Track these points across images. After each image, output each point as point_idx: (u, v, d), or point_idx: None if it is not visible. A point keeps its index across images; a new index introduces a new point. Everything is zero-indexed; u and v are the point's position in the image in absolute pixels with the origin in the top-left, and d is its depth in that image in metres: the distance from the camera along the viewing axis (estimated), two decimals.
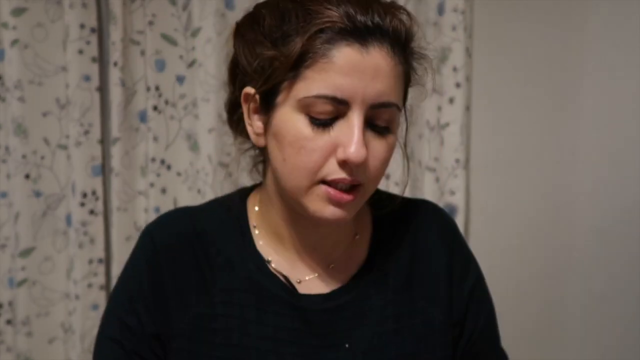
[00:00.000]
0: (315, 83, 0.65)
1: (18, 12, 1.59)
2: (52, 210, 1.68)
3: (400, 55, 0.68)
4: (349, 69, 0.64)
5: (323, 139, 0.66)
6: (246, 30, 0.71)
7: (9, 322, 1.68)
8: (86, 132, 1.64)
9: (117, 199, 1.68)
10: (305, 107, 0.66)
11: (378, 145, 0.68)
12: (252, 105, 0.72)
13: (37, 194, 1.66)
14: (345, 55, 0.64)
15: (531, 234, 1.77)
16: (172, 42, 1.67)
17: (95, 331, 1.77)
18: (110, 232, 1.71)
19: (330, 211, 0.68)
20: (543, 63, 1.71)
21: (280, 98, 0.68)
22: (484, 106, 1.73)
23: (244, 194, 0.83)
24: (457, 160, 1.70)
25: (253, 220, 0.80)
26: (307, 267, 0.78)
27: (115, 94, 1.64)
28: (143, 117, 1.69)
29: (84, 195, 1.66)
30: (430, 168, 1.73)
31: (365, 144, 0.66)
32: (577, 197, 1.74)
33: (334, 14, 0.65)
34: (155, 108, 1.67)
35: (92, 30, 1.62)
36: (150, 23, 1.64)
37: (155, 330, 0.76)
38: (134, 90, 1.68)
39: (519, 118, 1.74)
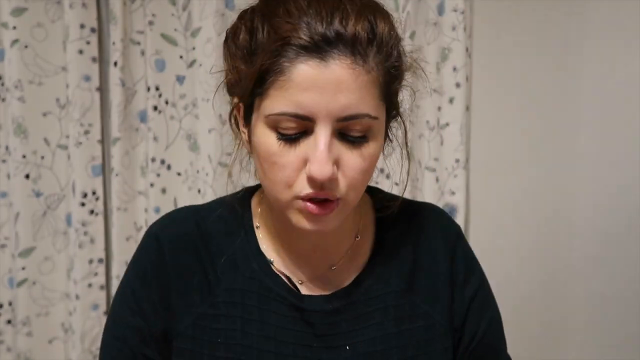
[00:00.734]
0: (277, 100, 0.64)
1: (18, 12, 1.59)
2: (52, 210, 1.68)
3: (369, 62, 0.64)
4: (307, 85, 0.63)
5: (291, 155, 0.65)
6: (229, 41, 0.72)
7: (9, 322, 1.68)
8: (86, 132, 1.64)
9: (117, 199, 1.68)
10: (273, 124, 0.65)
11: (352, 157, 0.66)
12: (240, 113, 0.72)
13: (37, 194, 1.66)
14: (302, 72, 0.63)
15: (531, 234, 1.77)
16: (172, 42, 1.67)
17: (95, 331, 1.78)
18: (110, 232, 1.71)
19: (309, 224, 0.68)
20: (543, 63, 1.71)
21: (254, 114, 0.68)
22: (484, 106, 1.73)
23: (248, 193, 0.83)
24: (457, 160, 1.70)
25: (256, 220, 0.80)
26: (308, 269, 0.78)
27: (116, 94, 1.64)
28: (143, 117, 1.69)
29: (84, 195, 1.66)
30: (430, 168, 1.73)
31: (337, 157, 0.65)
32: (577, 197, 1.74)
33: (292, 28, 0.63)
34: (155, 108, 1.67)
35: (92, 30, 1.63)
36: (150, 23, 1.64)
37: (162, 331, 0.76)
38: (134, 90, 1.68)
39: (519, 118, 1.74)
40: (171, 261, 0.76)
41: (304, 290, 0.76)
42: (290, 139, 0.65)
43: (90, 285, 1.68)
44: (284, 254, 0.78)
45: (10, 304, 1.68)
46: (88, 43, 1.62)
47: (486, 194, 1.76)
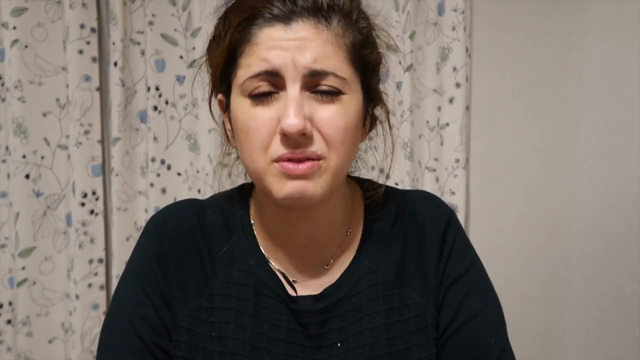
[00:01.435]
0: (247, 66, 0.68)
1: (18, 12, 1.59)
2: (52, 210, 1.68)
3: (332, 25, 0.68)
4: (272, 44, 0.67)
5: (265, 115, 0.67)
6: (209, 44, 0.75)
7: (9, 322, 1.68)
8: (86, 132, 1.64)
9: (117, 199, 1.68)
10: (246, 91, 0.68)
11: (326, 111, 0.67)
12: (223, 107, 0.75)
13: (37, 194, 1.66)
14: (267, 34, 0.67)
15: (531, 234, 1.77)
16: (172, 42, 1.67)
17: (95, 331, 1.78)
18: (110, 232, 1.71)
19: (290, 187, 0.67)
20: (543, 63, 1.71)
21: (232, 95, 0.71)
22: (484, 106, 1.73)
23: (247, 189, 0.83)
24: (457, 160, 1.70)
25: (253, 217, 0.80)
26: (301, 266, 0.78)
27: (116, 94, 1.64)
28: (143, 117, 1.69)
29: (84, 195, 1.66)
30: (430, 168, 1.73)
31: (311, 114, 0.67)
32: (577, 197, 1.74)
33: (260, 4, 0.68)
34: (155, 108, 1.67)
35: (92, 30, 1.63)
36: (150, 23, 1.64)
37: (170, 320, 0.76)
38: (134, 90, 1.68)
39: (519, 118, 1.74)
40: (172, 253, 0.77)
41: (298, 288, 0.77)
42: (262, 99, 0.68)
43: (90, 285, 1.68)
44: (275, 252, 0.78)
45: (10, 304, 1.68)
46: (88, 43, 1.62)
47: (486, 194, 1.76)
